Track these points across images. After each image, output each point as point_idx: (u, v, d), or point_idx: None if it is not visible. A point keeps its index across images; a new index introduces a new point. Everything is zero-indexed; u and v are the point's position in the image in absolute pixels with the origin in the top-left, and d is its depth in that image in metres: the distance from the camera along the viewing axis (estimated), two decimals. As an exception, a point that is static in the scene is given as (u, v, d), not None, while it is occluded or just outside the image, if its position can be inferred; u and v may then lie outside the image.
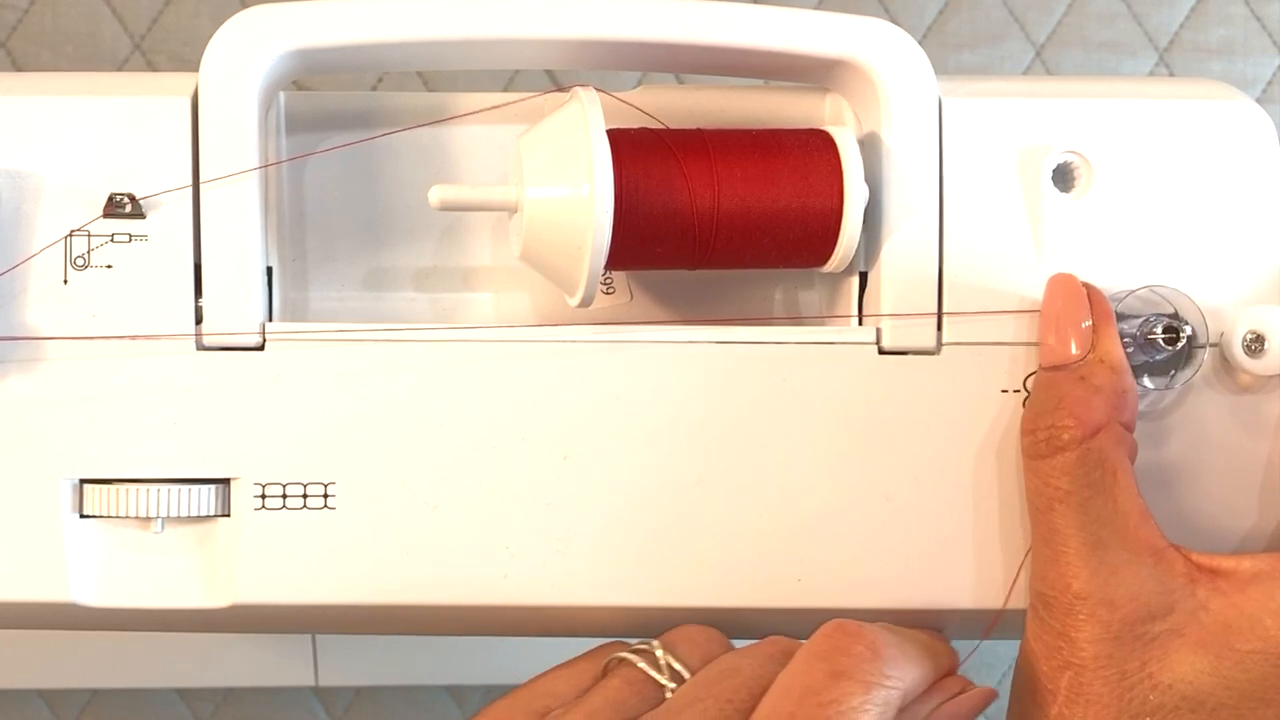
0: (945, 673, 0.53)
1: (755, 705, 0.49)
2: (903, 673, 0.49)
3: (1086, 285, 0.54)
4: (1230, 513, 0.56)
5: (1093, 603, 0.51)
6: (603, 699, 0.51)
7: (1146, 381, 0.55)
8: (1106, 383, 0.53)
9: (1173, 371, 0.55)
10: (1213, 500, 0.56)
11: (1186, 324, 0.54)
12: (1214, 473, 0.56)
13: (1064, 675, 0.52)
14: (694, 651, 0.52)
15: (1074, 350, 0.53)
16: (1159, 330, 0.54)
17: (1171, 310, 0.55)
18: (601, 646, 0.54)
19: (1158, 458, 0.55)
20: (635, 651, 0.52)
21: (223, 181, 0.53)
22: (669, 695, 0.51)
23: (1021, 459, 0.54)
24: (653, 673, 0.51)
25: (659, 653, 0.52)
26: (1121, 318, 0.54)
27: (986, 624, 0.55)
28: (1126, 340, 0.54)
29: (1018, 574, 0.55)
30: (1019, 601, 0.55)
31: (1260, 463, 0.56)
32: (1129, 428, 0.53)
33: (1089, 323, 0.53)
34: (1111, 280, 0.55)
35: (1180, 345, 0.54)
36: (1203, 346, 0.55)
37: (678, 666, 0.52)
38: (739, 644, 0.53)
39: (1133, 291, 0.55)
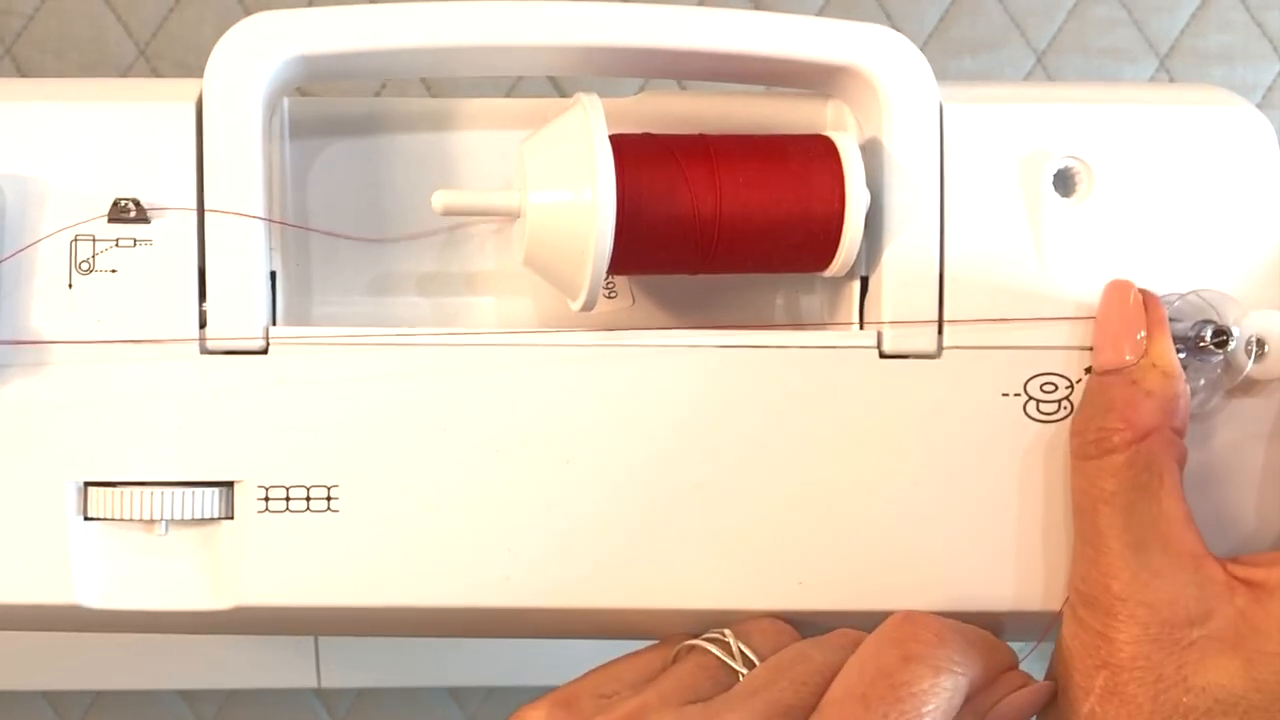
0: (1005, 668, 0.54)
1: (826, 689, 0.50)
2: (969, 661, 0.51)
3: (1141, 290, 0.54)
4: (1232, 516, 0.56)
5: (1132, 604, 0.52)
6: (676, 681, 0.52)
7: (1200, 382, 0.55)
8: (1158, 387, 0.53)
9: (1219, 373, 0.55)
10: (1214, 503, 0.56)
11: (1235, 327, 0.54)
12: (1215, 476, 0.56)
13: (1100, 674, 0.52)
14: (765, 641, 0.53)
15: (1127, 355, 0.53)
16: (1208, 334, 0.54)
17: (1216, 314, 0.55)
18: (670, 638, 0.55)
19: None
20: (708, 639, 0.53)
21: (227, 186, 0.53)
22: (741, 680, 0.52)
23: (1069, 459, 0.55)
24: (725, 659, 0.52)
25: (731, 640, 0.53)
26: (1169, 321, 0.54)
27: (993, 626, 0.55)
28: (1176, 345, 0.54)
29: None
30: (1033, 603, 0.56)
31: (1260, 466, 0.56)
32: (1180, 433, 0.53)
33: (1143, 328, 0.53)
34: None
35: (1231, 348, 0.54)
36: (1250, 349, 0.55)
37: (750, 654, 0.52)
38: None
39: (1183, 295, 0.55)
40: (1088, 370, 0.55)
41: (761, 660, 0.52)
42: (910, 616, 0.51)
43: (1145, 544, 0.52)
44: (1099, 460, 0.53)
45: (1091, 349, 0.55)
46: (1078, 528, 0.54)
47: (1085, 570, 0.53)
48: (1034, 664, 0.55)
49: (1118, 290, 0.55)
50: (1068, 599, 0.55)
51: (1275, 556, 0.53)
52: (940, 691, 0.49)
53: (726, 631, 0.53)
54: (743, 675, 0.52)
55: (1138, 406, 0.52)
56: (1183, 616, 0.52)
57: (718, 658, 0.53)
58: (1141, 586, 0.52)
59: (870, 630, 0.52)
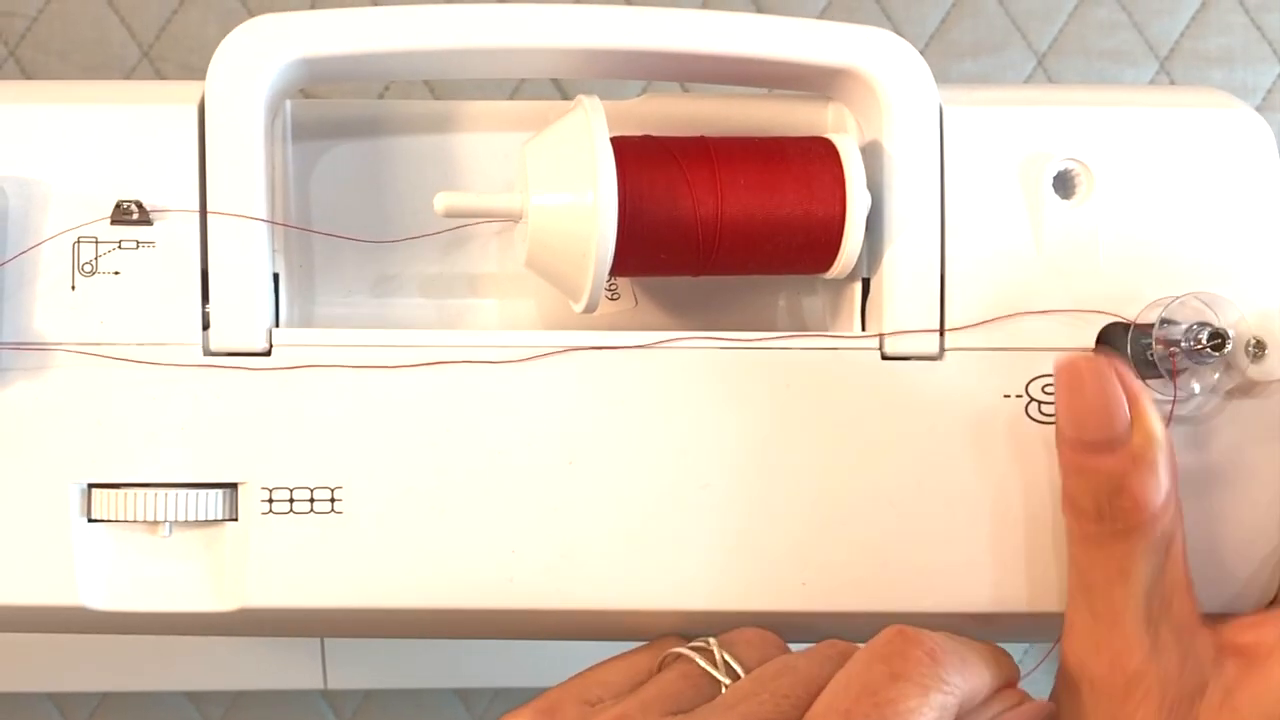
0: (1005, 684, 0.53)
1: (811, 702, 0.49)
2: (961, 679, 0.49)
3: (1108, 360, 0.52)
4: (1232, 518, 0.56)
5: (1149, 681, 0.51)
6: (658, 690, 0.51)
7: (1195, 386, 0.55)
8: (1159, 458, 0.51)
9: (1217, 375, 0.55)
10: (1214, 505, 0.56)
11: (1231, 330, 0.54)
12: (1215, 478, 0.56)
13: None
14: (751, 651, 0.52)
15: (1118, 429, 0.51)
16: (1205, 337, 0.53)
17: (1213, 316, 0.54)
18: (656, 641, 0.54)
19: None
20: (692, 648, 0.52)
21: (229, 188, 0.53)
22: (724, 691, 0.51)
23: (1069, 540, 0.53)
24: (709, 669, 0.51)
25: (716, 650, 0.52)
26: (1166, 324, 0.54)
27: (994, 627, 0.55)
28: (1173, 348, 0.54)
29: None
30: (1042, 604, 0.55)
31: (1260, 467, 0.56)
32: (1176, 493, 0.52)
33: (1124, 403, 0.52)
34: (1111, 285, 0.55)
35: (1228, 350, 0.54)
36: (1249, 351, 0.54)
37: (734, 664, 0.51)
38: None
39: (1179, 298, 0.55)
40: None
41: (747, 670, 0.51)
42: (902, 632, 0.49)
43: (1155, 616, 0.51)
44: (1114, 545, 0.52)
45: (1058, 422, 0.53)
46: (1083, 604, 0.53)
47: (1094, 646, 0.52)
48: (1035, 662, 0.55)
49: (1085, 366, 0.52)
50: (1065, 677, 0.54)
51: (1258, 620, 0.53)
52: (926, 711, 0.47)
53: (711, 640, 0.53)
54: (726, 686, 0.51)
55: (1146, 484, 0.51)
56: (1188, 689, 0.51)
57: (702, 667, 0.52)
58: (1157, 661, 0.51)
59: (868, 634, 0.51)
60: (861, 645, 0.51)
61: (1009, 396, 0.55)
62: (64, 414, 0.53)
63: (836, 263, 0.55)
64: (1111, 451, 0.52)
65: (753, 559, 0.55)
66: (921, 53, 0.55)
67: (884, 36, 0.55)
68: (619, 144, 0.53)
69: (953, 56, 0.82)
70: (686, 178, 0.53)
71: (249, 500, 0.54)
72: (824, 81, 0.56)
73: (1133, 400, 0.52)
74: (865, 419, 0.55)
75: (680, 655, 0.52)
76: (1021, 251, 0.55)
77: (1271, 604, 0.56)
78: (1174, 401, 0.55)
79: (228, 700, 0.84)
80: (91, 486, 0.53)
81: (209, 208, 0.53)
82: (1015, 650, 0.62)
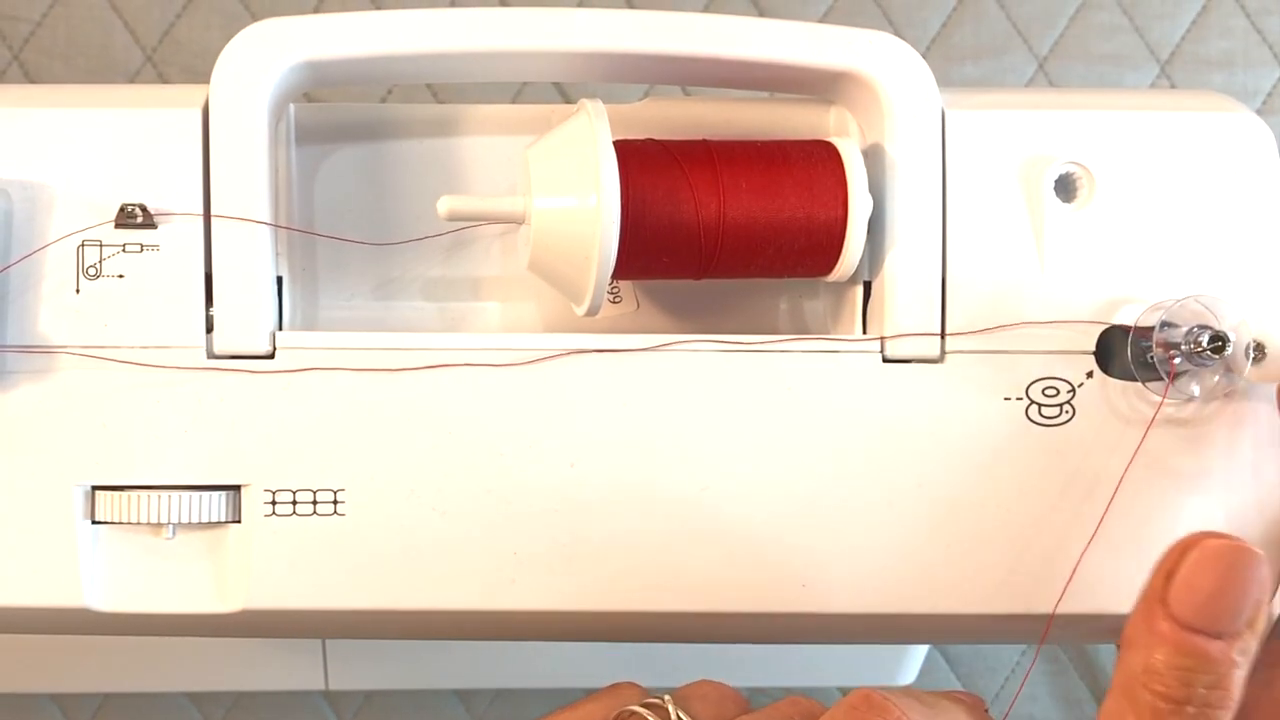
0: None
1: None
2: None
3: (1256, 553, 0.47)
4: (1232, 521, 0.56)
5: None
6: None
7: (1194, 389, 0.55)
8: (1251, 652, 0.47)
9: (1216, 378, 0.55)
10: (1215, 508, 0.56)
11: (1231, 333, 0.54)
12: (1215, 479, 0.56)
13: None
14: (707, 709, 0.51)
15: (1237, 625, 0.47)
16: (1205, 340, 0.53)
17: (1213, 318, 0.54)
18: (611, 689, 0.53)
19: (1172, 463, 0.56)
20: (646, 706, 0.51)
21: (233, 192, 0.53)
22: None
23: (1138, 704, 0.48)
24: None
25: (671, 709, 0.50)
26: (1166, 326, 0.54)
27: (993, 628, 0.55)
28: (1173, 351, 0.54)
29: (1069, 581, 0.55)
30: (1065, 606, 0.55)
31: (1260, 469, 0.56)
32: None
33: (1261, 601, 0.47)
34: (1112, 288, 0.55)
35: (1228, 353, 0.54)
36: (1249, 353, 0.54)
37: None
38: (738, 655, 0.53)
39: (1180, 301, 0.55)
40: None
41: None
42: (868, 699, 0.47)
43: None
44: None
45: (1177, 597, 0.48)
46: None
47: None
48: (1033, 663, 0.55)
49: (1241, 557, 0.47)
50: None
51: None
52: None
53: (667, 697, 0.51)
54: None
55: (1236, 679, 0.47)
56: None
57: None
58: None
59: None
60: (823, 706, 0.49)
61: (1009, 399, 0.55)
62: (68, 416, 0.53)
63: (838, 266, 0.55)
64: (1220, 638, 0.47)
65: (753, 561, 0.55)
66: (923, 56, 0.55)
67: (886, 40, 0.55)
68: (621, 147, 0.53)
69: (954, 60, 0.82)
70: (689, 181, 0.53)
71: (252, 502, 0.54)
72: (826, 85, 0.56)
73: (1261, 595, 0.47)
74: (866, 421, 0.55)
75: (634, 713, 0.50)
76: (1023, 254, 0.55)
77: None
78: (1161, 402, 0.55)
79: (229, 701, 0.84)
80: (95, 488, 0.54)
81: (213, 211, 0.53)
82: (1013, 652, 0.63)
